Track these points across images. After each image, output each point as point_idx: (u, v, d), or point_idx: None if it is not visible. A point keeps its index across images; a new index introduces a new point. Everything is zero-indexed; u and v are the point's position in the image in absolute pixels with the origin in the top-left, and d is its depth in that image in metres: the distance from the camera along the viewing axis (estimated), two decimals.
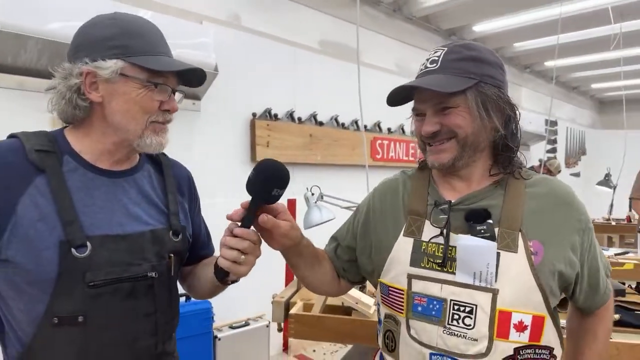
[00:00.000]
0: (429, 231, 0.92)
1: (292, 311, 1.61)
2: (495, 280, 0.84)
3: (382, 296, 0.98)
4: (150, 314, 0.90)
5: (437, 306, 0.87)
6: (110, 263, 0.84)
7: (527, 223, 0.88)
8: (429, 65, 0.91)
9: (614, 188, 4.78)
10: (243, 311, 3.09)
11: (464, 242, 0.86)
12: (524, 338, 0.85)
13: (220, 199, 2.92)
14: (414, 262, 0.91)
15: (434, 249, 0.89)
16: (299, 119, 3.53)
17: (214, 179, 2.94)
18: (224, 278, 0.91)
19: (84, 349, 0.83)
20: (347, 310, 1.69)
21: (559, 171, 5.19)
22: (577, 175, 7.96)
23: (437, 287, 0.88)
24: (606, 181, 4.95)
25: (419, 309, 0.89)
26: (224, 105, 3.07)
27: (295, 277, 2.00)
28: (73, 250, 0.80)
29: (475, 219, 0.88)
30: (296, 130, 3.50)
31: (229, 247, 0.85)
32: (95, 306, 0.83)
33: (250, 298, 2.82)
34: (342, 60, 3.86)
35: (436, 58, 0.91)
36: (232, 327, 2.95)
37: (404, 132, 4.52)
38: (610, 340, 1.25)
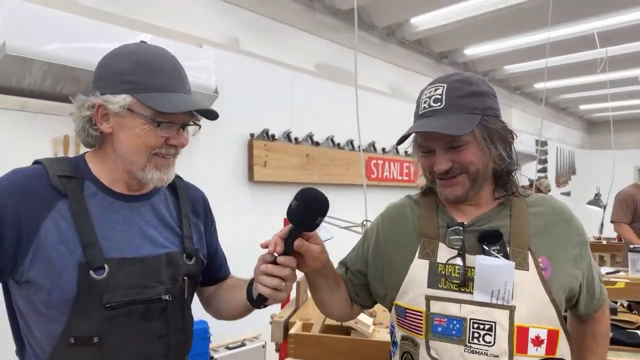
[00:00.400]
0: (444, 253, 0.94)
1: (292, 331, 1.62)
2: (512, 298, 0.88)
3: (398, 318, 0.99)
4: (163, 335, 0.92)
5: (458, 325, 0.90)
6: (126, 285, 0.87)
7: (534, 241, 0.93)
8: (432, 104, 0.93)
9: (604, 207, 4.85)
10: (239, 332, 3.08)
11: (483, 262, 0.89)
12: (541, 352, 0.88)
13: (219, 218, 2.94)
14: (432, 284, 0.93)
15: (450, 270, 0.92)
16: (296, 139, 3.59)
17: (212, 198, 2.96)
18: (262, 304, 0.93)
19: None
20: (346, 330, 1.70)
21: (549, 190, 5.28)
22: (567, 194, 8.07)
23: (456, 307, 0.90)
24: (596, 200, 5.03)
25: (439, 329, 0.91)
26: (223, 126, 3.12)
27: (297, 299, 2.01)
28: (91, 272, 0.83)
29: (488, 240, 0.91)
30: (293, 151, 3.56)
31: (271, 275, 0.86)
32: (110, 327, 0.85)
33: (247, 318, 2.80)
34: (338, 83, 3.95)
35: (439, 96, 0.93)
36: (228, 348, 2.93)
37: (398, 152, 4.60)
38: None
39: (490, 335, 0.88)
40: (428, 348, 0.92)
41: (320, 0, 3.79)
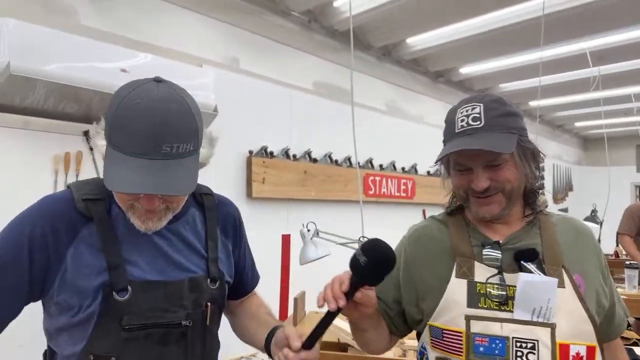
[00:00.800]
0: (481, 271, 0.94)
1: None
2: (552, 315, 0.88)
3: (432, 339, 0.98)
4: None
5: (500, 345, 0.89)
6: (148, 308, 0.87)
7: (565, 258, 0.94)
8: (471, 122, 0.94)
9: (601, 224, 4.87)
10: (236, 349, 3.06)
11: (527, 279, 0.89)
12: None
13: None
14: (471, 303, 0.92)
15: (490, 289, 0.92)
16: (294, 156, 3.63)
17: None
18: None
19: None
20: (342, 347, 1.71)
21: (546, 206, 5.28)
22: (565, 210, 8.09)
23: (498, 326, 0.90)
24: (593, 217, 5.06)
25: (481, 349, 0.90)
26: (222, 143, 3.13)
27: (295, 316, 2.01)
28: (114, 293, 0.84)
29: (525, 258, 0.92)
30: (291, 167, 3.59)
31: None
32: (127, 349, 0.85)
33: None
34: (335, 101, 4.02)
35: (477, 115, 0.93)
36: None
37: (395, 168, 4.64)
38: None
39: (534, 354, 0.87)
40: None
41: (318, 21, 3.88)
